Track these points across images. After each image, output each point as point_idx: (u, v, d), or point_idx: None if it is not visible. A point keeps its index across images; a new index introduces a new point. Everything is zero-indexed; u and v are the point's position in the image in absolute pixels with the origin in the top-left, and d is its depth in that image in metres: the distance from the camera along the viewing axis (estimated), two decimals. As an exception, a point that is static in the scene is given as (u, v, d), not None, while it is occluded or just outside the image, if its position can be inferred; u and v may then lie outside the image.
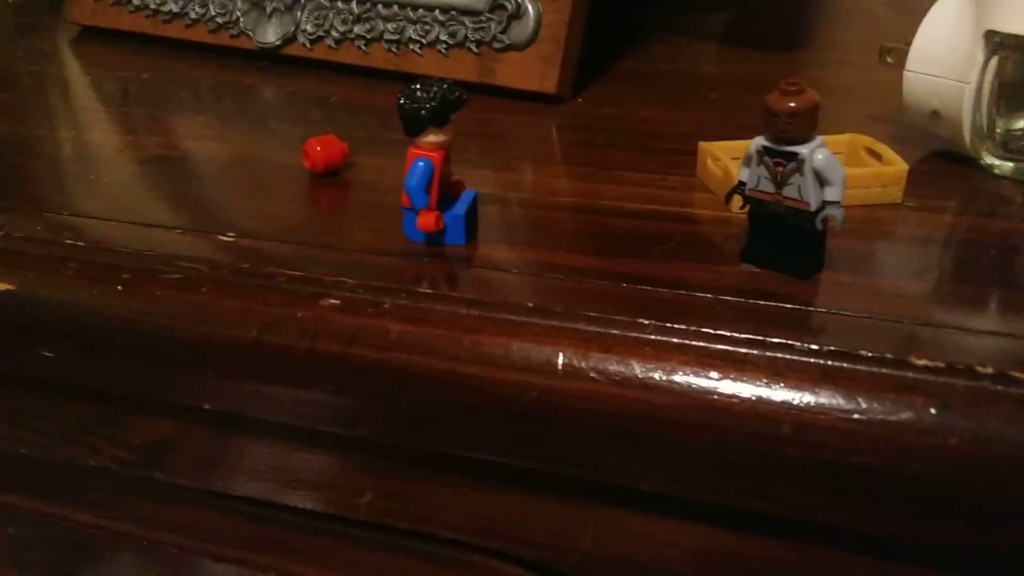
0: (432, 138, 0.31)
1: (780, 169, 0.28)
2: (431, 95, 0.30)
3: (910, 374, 0.25)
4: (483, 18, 0.48)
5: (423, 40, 0.50)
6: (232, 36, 0.55)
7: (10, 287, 0.32)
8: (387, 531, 0.34)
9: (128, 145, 0.43)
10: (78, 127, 0.46)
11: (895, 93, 0.39)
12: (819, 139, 0.28)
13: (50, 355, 0.32)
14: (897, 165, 0.35)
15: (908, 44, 0.39)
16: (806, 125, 0.27)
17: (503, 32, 0.47)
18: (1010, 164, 0.37)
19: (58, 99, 0.51)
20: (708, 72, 0.54)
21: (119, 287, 0.31)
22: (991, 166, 0.37)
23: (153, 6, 0.58)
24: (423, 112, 0.30)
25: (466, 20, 0.48)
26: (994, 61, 0.36)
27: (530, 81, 0.47)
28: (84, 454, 0.37)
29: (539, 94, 0.47)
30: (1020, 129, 0.38)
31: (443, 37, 0.49)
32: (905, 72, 0.38)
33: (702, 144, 0.37)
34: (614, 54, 0.55)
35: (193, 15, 0.56)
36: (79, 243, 0.33)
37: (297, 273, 0.30)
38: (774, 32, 0.61)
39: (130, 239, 0.33)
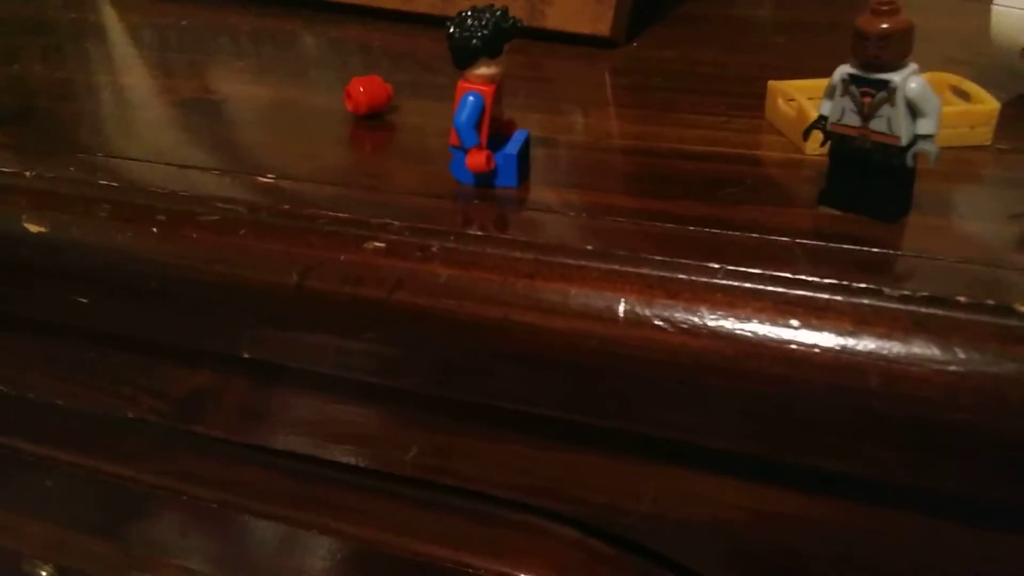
0: (484, 70, 0.29)
1: (868, 99, 0.25)
2: (483, 22, 0.28)
3: (1013, 322, 0.22)
4: (534, -44, 0.45)
5: (470, -18, 0.47)
6: (272, -18, 0.54)
7: (43, 229, 0.31)
8: (433, 488, 0.32)
9: (165, 89, 0.42)
10: (115, 72, 0.45)
11: (978, 35, 0.36)
12: (913, 66, 0.25)
13: (84, 301, 0.31)
14: (987, 104, 0.32)
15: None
16: (899, 49, 0.24)
17: (554, -29, 0.45)
18: (1109, 105, 0.34)
19: (95, 45, 0.50)
20: (768, 16, 0.51)
21: (154, 229, 0.29)
22: (1088, 107, 0.34)
23: (191, -48, 0.56)
24: (475, 41, 0.28)
25: (516, -41, 0.46)
26: (1096, -10, 0.33)
27: (583, 24, 0.45)
28: (121, 406, 0.35)
29: (592, 37, 0.45)
30: (1121, 67, 0.35)
31: (491, -22, 0.46)
32: (993, 6, 0.35)
33: (772, 83, 0.34)
34: (669, -2, 0.52)
35: (232, -40, 0.54)
36: (113, 184, 0.31)
37: (340, 215, 0.29)
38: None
39: (165, 180, 0.32)
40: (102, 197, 0.31)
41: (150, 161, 0.33)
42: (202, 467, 0.37)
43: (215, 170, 0.33)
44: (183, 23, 0.52)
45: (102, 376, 0.35)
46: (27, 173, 0.32)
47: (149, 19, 0.53)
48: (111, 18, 0.55)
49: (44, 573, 0.41)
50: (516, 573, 0.31)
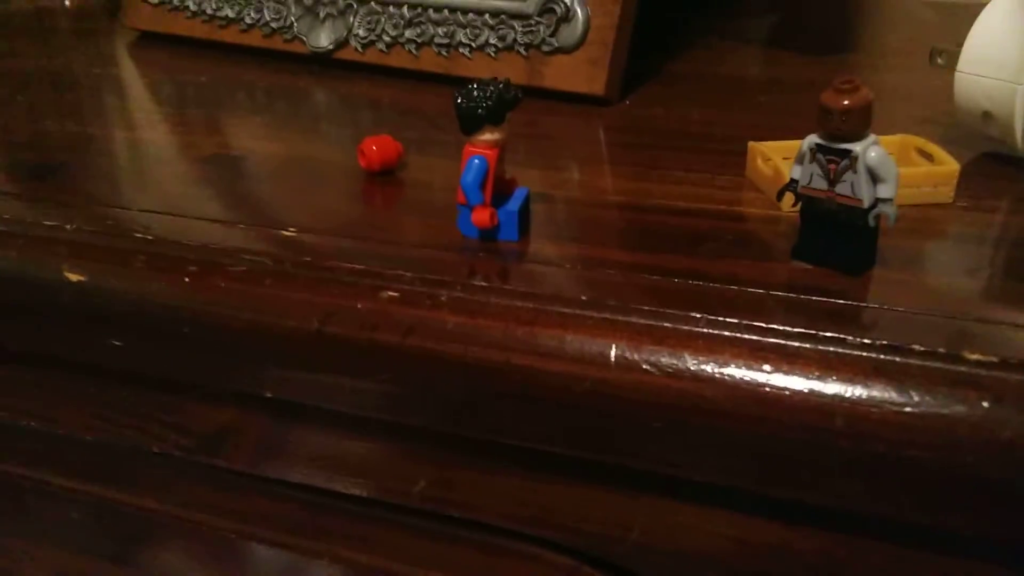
0: (488, 136, 0.32)
1: (833, 167, 0.28)
2: (487, 94, 0.31)
3: (963, 368, 0.25)
4: (532, 21, 0.49)
5: (473, 44, 0.50)
6: (286, 41, 0.57)
7: (82, 278, 0.33)
8: (440, 519, 0.34)
9: (188, 145, 0.45)
10: (140, 127, 0.48)
11: (944, 96, 0.40)
12: (872, 137, 0.28)
13: (119, 344, 0.34)
14: (949, 165, 0.35)
15: (959, 46, 0.39)
16: (860, 122, 0.27)
17: (552, 35, 0.48)
18: (1062, 165, 0.37)
19: (119, 101, 0.53)
20: (755, 75, 0.55)
21: (186, 279, 0.32)
22: (1043, 167, 0.37)
23: (209, 11, 0.59)
24: (480, 111, 0.31)
25: (515, 24, 0.49)
26: (1047, 62, 0.36)
27: (578, 83, 0.48)
28: (149, 441, 0.38)
29: (587, 96, 0.48)
30: (1073, 130, 0.38)
31: (492, 40, 0.50)
32: (956, 73, 0.39)
33: (752, 144, 0.37)
34: (661, 58, 0.56)
35: (248, 20, 0.58)
36: (148, 236, 0.34)
37: (357, 266, 0.31)
38: (820, 36, 0.61)
39: (195, 233, 0.34)
40: (137, 249, 0.34)
41: (180, 215, 0.36)
42: (219, 498, 0.39)
43: (240, 224, 0.35)
44: (202, 79, 0.55)
45: (131, 413, 0.38)
46: (67, 226, 0.35)
47: (169, 75, 0.56)
48: (133, 74, 0.59)
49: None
50: (516, 599, 0.33)
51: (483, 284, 0.30)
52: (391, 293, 0.30)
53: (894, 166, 0.28)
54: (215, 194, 0.39)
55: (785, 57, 0.57)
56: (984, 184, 0.36)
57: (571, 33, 0.48)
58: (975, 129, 0.39)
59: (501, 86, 0.31)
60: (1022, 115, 0.37)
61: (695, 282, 0.30)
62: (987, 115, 0.38)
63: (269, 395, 0.32)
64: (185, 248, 0.33)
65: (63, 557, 0.45)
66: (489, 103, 0.31)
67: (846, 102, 0.27)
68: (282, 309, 0.31)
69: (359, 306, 0.30)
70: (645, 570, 0.32)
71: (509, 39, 0.49)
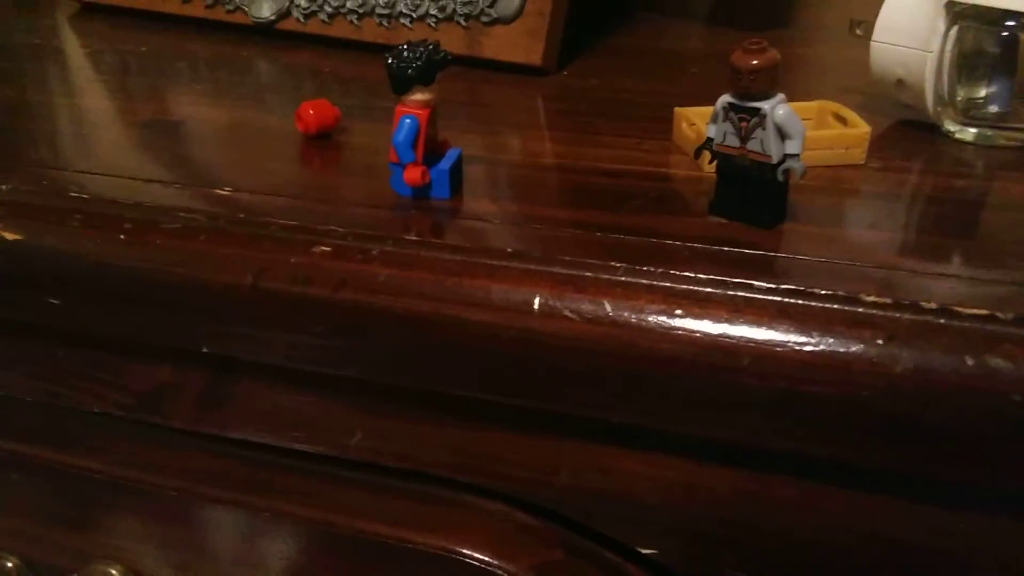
0: (418, 96, 0.32)
1: (744, 124, 0.30)
2: (417, 55, 0.32)
3: (860, 309, 0.27)
4: (471, -8, 0.49)
5: (413, 14, 0.51)
6: (228, 11, 0.57)
7: (19, 237, 0.34)
8: (378, 471, 0.36)
9: (127, 111, 0.45)
10: (78, 95, 0.48)
11: (864, 67, 0.41)
12: (780, 95, 0.29)
13: (55, 302, 0.34)
14: (860, 128, 0.37)
15: (876, 17, 0.41)
16: (768, 81, 0.29)
17: (491, 6, 0.49)
18: (971, 130, 0.39)
19: (59, 70, 0.53)
20: (691, 49, 0.56)
21: (122, 236, 0.33)
22: (952, 132, 0.39)
23: (151, -18, 0.59)
24: (410, 71, 0.32)
25: (455, -6, 0.50)
26: (955, 31, 0.38)
27: (516, 54, 0.49)
28: (88, 401, 0.38)
29: (525, 67, 0.49)
30: (980, 97, 0.40)
31: (432, 11, 0.51)
32: (872, 42, 0.40)
33: (677, 109, 0.39)
34: (600, 31, 0.57)
35: (190, -9, 0.58)
36: (83, 195, 0.35)
37: (291, 223, 0.32)
38: (758, 12, 0.63)
39: (131, 193, 0.35)
40: (73, 208, 0.34)
41: (117, 176, 0.37)
42: (160, 457, 0.39)
43: (176, 184, 0.36)
44: (143, 49, 0.55)
45: (70, 372, 0.38)
46: (3, 186, 0.35)
47: (110, 45, 0.56)
48: (73, 44, 0.58)
49: (10, 564, 0.43)
50: (451, 547, 0.34)
51: (414, 239, 0.31)
52: (324, 248, 0.31)
53: (800, 123, 0.29)
54: (152, 157, 0.39)
55: (722, 32, 0.58)
56: (896, 148, 0.38)
57: (509, 4, 0.49)
58: (890, 96, 0.41)
59: (431, 47, 0.32)
60: (932, 81, 0.38)
61: (617, 235, 0.31)
62: (900, 82, 0.40)
63: (206, 350, 0.33)
64: (120, 206, 0.34)
65: (10, 521, 0.45)
66: (419, 63, 0.32)
67: (754, 62, 0.29)
68: (217, 264, 0.32)
69: (292, 260, 0.31)
70: (575, 513, 0.34)
71: (449, 9, 0.50)
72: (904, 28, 0.39)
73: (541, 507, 0.34)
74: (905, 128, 0.40)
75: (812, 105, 0.39)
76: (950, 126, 0.39)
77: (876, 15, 0.41)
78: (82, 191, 0.35)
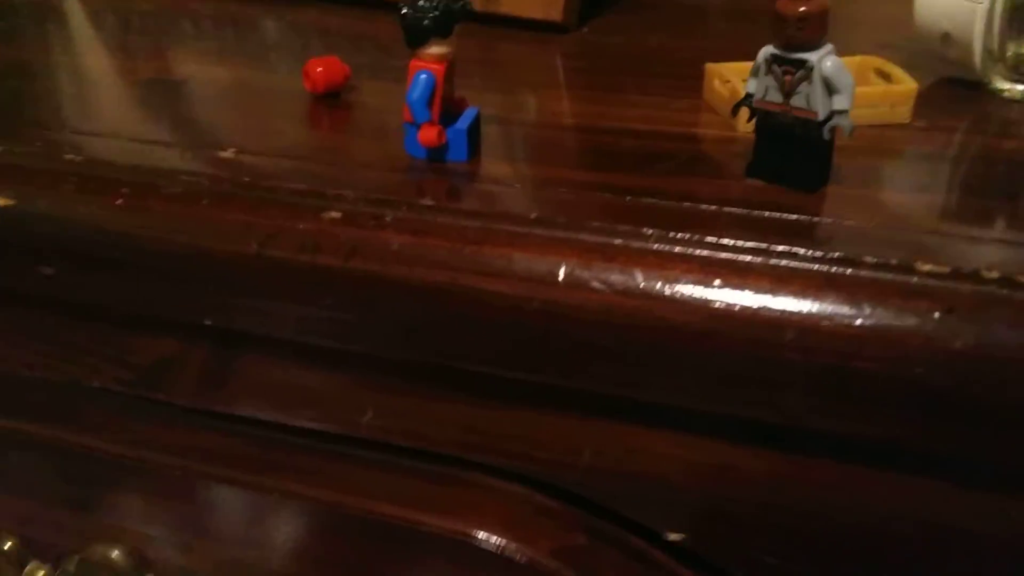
0: (435, 49, 0.30)
1: (788, 78, 0.27)
2: (434, 4, 0.30)
3: (915, 279, 0.24)
4: (487, -56, 0.47)
5: (426, -32, 0.49)
6: (232, -33, 0.54)
7: (10, 202, 0.32)
8: (390, 450, 0.34)
9: (128, 70, 0.43)
10: (77, 53, 0.46)
11: (904, 22, 0.39)
12: (829, 46, 0.27)
13: (50, 272, 0.32)
14: (906, 84, 0.34)
15: (920, -33, 0.38)
16: (816, 30, 0.26)
17: (508, -41, 0.46)
18: (1021, 87, 0.37)
19: (59, 29, 0.51)
20: (716, 3, 0.53)
21: (119, 201, 0.31)
22: (1001, 90, 0.37)
23: (152, -63, 0.57)
24: (426, 21, 0.30)
25: (470, -54, 0.47)
26: (1008, -20, 0.35)
27: (535, 10, 0.46)
28: (86, 375, 0.37)
29: (544, 23, 0.46)
30: (1032, 52, 0.37)
31: (446, -36, 0.48)
32: (916, -6, 0.38)
33: (709, 65, 0.36)
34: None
35: (193, -54, 0.55)
36: (78, 158, 0.33)
37: (298, 187, 0.30)
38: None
39: (130, 155, 0.33)
40: (68, 171, 0.32)
41: (113, 137, 0.35)
42: (165, 435, 0.38)
43: (177, 146, 0.34)
44: (145, 7, 0.53)
45: (66, 345, 0.37)
46: (-7, 148, 0.33)
47: (111, 3, 0.54)
48: (72, 2, 0.56)
49: (8, 544, 0.42)
50: (466, 529, 0.33)
51: (429, 204, 0.29)
52: (333, 214, 0.29)
53: (849, 76, 0.27)
54: (153, 117, 0.37)
55: (747, -14, 0.56)
56: (942, 106, 0.36)
57: (527, -43, 0.46)
58: (935, 52, 0.38)
59: (448, -3, 0.30)
60: (981, 36, 0.36)
61: (647, 199, 0.29)
62: (946, 37, 0.37)
63: (209, 323, 0.31)
64: (118, 169, 0.32)
65: (8, 501, 0.43)
66: (436, 14, 0.30)
67: (802, 8, 0.26)
68: (220, 231, 0.30)
69: (300, 227, 0.29)
70: (598, 496, 0.32)
71: (463, -37, 0.48)
72: (953, -22, 0.36)
73: (562, 489, 0.32)
74: (950, 86, 0.38)
75: (853, 60, 0.37)
76: (999, 83, 0.37)
77: (918, -34, 0.38)
78: (78, 153, 0.33)
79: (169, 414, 0.37)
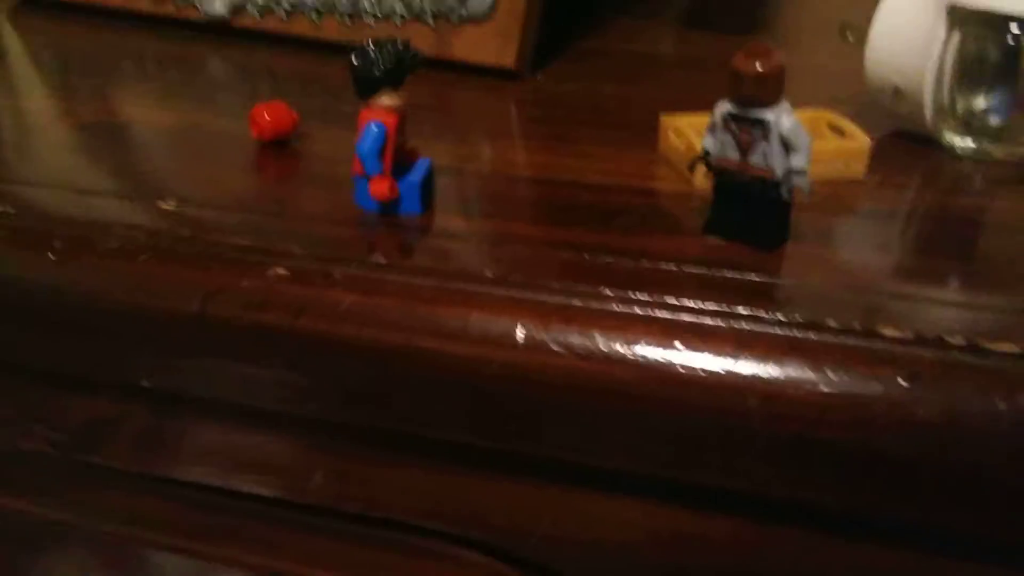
0: (386, 100, 0.29)
1: (745, 136, 0.27)
2: (386, 54, 0.29)
3: (879, 345, 0.24)
4: (440, -11, 0.46)
5: (378, 12, 0.48)
6: (178, 6, 0.53)
7: (-68, 256, 0.30)
8: (338, 516, 0.32)
9: (65, 112, 0.41)
10: (13, 95, 0.44)
11: (854, 75, 0.39)
12: (785, 104, 0.27)
13: (-24, 329, 0.30)
14: (860, 140, 0.34)
15: (868, 21, 0.38)
16: (773, 88, 0.26)
17: (461, 4, 0.46)
18: (971, 143, 0.37)
19: (-8, 67, 0.49)
20: (667, 52, 0.54)
21: (51, 255, 0.29)
22: (952, 145, 0.37)
23: (94, -26, 0.55)
24: (377, 72, 0.29)
25: (423, -9, 0.47)
26: (956, 37, 0.35)
27: (488, 56, 0.46)
28: (15, 438, 0.34)
29: (497, 69, 0.46)
30: (981, 108, 0.38)
31: (399, 9, 0.47)
32: (867, 48, 0.38)
33: (664, 117, 0.36)
34: (572, 34, 0.54)
35: (137, -16, 0.54)
36: (8, 210, 0.31)
37: (242, 242, 0.29)
38: (731, 15, 0.61)
39: (64, 206, 0.31)
40: (-3, 223, 0.30)
41: (48, 186, 0.33)
42: (101, 499, 0.36)
43: (115, 195, 0.32)
44: (86, 46, 0.51)
45: (-5, 406, 0.35)
46: (-84, 198, 0.31)
47: (50, 42, 0.52)
48: (11, 40, 0.54)
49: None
50: (421, 598, 0.31)
51: (381, 260, 0.28)
52: (280, 271, 0.28)
53: (807, 135, 0.27)
54: (92, 164, 0.35)
55: (698, 36, 0.56)
56: (895, 161, 0.36)
57: (481, 3, 0.46)
58: (885, 106, 0.39)
59: (400, 46, 0.29)
60: (932, 91, 0.36)
61: (606, 258, 0.28)
62: (897, 92, 0.37)
63: (147, 384, 0.30)
64: (51, 222, 0.30)
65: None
66: (387, 64, 0.29)
67: (759, 67, 0.26)
68: (159, 288, 0.28)
69: (245, 284, 0.28)
70: (557, 563, 0.31)
71: (416, 7, 0.47)
72: (902, 34, 0.37)
73: (523, 558, 0.31)
74: (901, 140, 0.38)
75: (805, 114, 0.37)
76: (950, 138, 0.37)
77: (861, 18, 0.39)
78: (10, 204, 0.31)
79: (106, 477, 0.35)
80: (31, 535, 0.38)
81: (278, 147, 0.37)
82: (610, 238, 0.29)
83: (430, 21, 0.47)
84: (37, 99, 0.44)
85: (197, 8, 0.52)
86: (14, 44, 0.54)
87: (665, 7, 0.63)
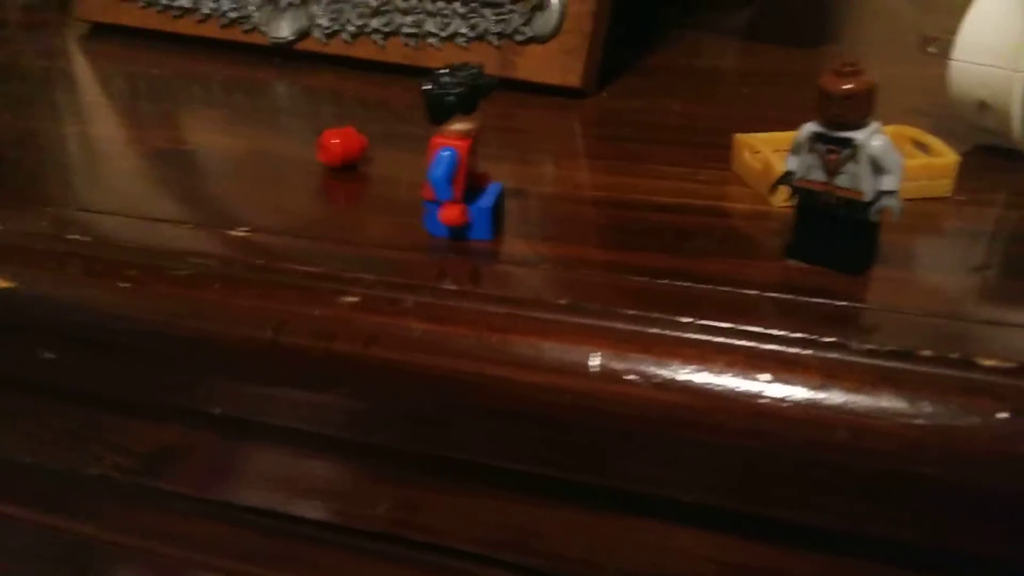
0: (459, 126, 0.29)
1: (833, 157, 0.26)
2: (459, 80, 0.28)
3: (977, 375, 0.23)
4: (505, 9, 0.46)
5: (442, 33, 0.48)
6: (245, 32, 0.54)
7: (10, 285, 0.30)
8: (403, 544, 0.32)
9: (137, 139, 0.42)
10: (85, 122, 0.45)
11: (935, 87, 0.38)
12: (875, 124, 0.26)
13: (51, 356, 0.31)
14: (947, 156, 0.33)
15: (950, 33, 0.37)
16: (862, 109, 0.25)
17: (526, 24, 0.46)
18: (1062, 157, 0.35)
19: (66, 94, 0.50)
20: (733, 67, 0.53)
21: (125, 284, 0.29)
22: (1042, 159, 0.36)
23: (163, 1, 0.56)
24: (450, 98, 0.28)
25: (487, 12, 0.47)
26: (1047, 48, 0.34)
27: (553, 75, 0.45)
28: (85, 462, 0.35)
29: (562, 88, 0.45)
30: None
31: (463, 30, 0.47)
32: (951, 61, 0.37)
33: (739, 136, 0.35)
34: (636, 50, 0.53)
35: (205, 10, 0.55)
36: (83, 238, 0.31)
37: (314, 269, 0.29)
38: (797, 28, 0.59)
39: (137, 234, 0.32)
40: (72, 252, 0.31)
41: (121, 215, 0.33)
42: (166, 523, 0.36)
43: (187, 223, 0.32)
44: (154, 72, 0.52)
45: (66, 432, 0.35)
46: (-4, 227, 0.32)
47: (120, 68, 0.53)
48: (82, 66, 0.55)
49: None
50: (490, 629, 0.31)
51: (452, 288, 0.28)
52: (351, 298, 0.27)
53: (898, 156, 0.26)
54: (162, 192, 0.36)
55: (762, 49, 0.55)
56: (981, 177, 0.34)
57: (546, 22, 0.45)
58: (970, 120, 0.37)
59: (474, 72, 0.29)
60: (1020, 104, 0.35)
61: (682, 283, 0.27)
62: (983, 105, 0.36)
63: (218, 411, 0.30)
64: (124, 251, 0.30)
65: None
66: (460, 90, 0.28)
67: (848, 86, 0.25)
68: (231, 317, 0.28)
69: (316, 313, 0.27)
70: (630, 595, 0.30)
71: (480, 28, 0.47)
72: (988, 46, 0.35)
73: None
74: (987, 155, 0.37)
75: (888, 130, 0.35)
76: (1039, 153, 0.36)
77: (946, 30, 0.37)
78: (83, 233, 0.32)
79: (170, 501, 0.35)
80: (89, 558, 0.38)
81: (345, 171, 0.37)
82: (685, 262, 0.29)
83: (494, 42, 0.46)
84: (107, 126, 0.45)
85: (263, 33, 0.53)
86: (84, 70, 0.55)
87: (726, 19, 0.62)
